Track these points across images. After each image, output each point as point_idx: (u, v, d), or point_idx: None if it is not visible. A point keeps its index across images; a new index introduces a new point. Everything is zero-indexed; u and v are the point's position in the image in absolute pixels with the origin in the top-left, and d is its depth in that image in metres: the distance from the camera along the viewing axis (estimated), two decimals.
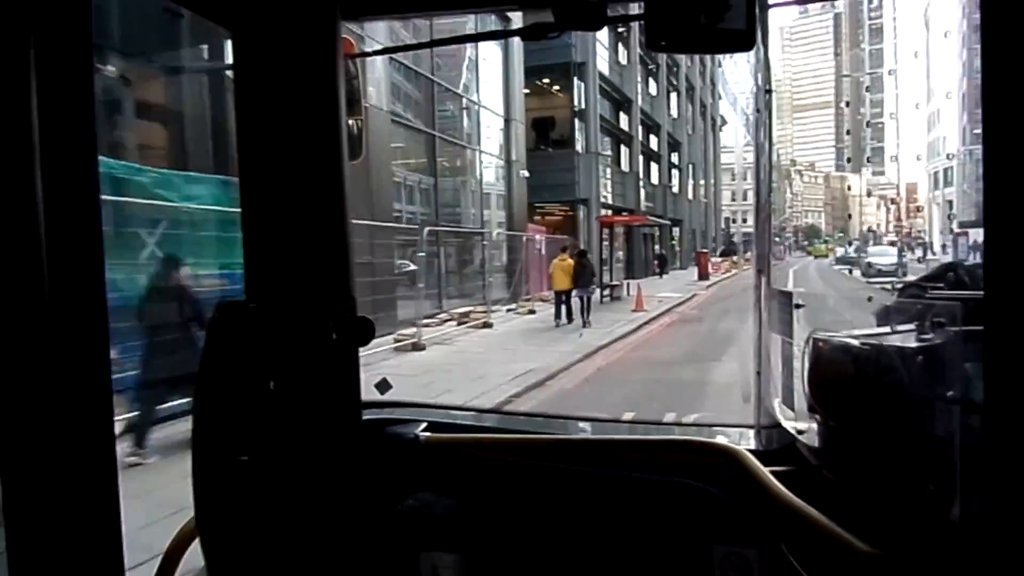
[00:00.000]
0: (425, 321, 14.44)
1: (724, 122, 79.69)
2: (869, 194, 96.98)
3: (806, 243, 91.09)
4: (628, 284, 24.93)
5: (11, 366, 0.79)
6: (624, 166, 37.97)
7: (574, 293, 17.50)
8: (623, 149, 37.99)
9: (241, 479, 1.06)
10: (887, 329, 1.26)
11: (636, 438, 1.63)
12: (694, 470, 1.38)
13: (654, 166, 44.56)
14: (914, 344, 1.14)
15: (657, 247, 43.31)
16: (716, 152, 67.27)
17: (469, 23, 10.93)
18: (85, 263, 0.83)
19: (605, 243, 23.15)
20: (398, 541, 1.45)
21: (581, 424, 1.98)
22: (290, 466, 1.08)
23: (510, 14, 9.39)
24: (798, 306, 1.42)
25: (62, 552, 0.81)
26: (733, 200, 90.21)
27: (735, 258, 52.70)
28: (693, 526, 1.34)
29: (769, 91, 1.55)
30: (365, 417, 1.45)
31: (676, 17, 1.05)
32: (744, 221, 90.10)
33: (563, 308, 17.23)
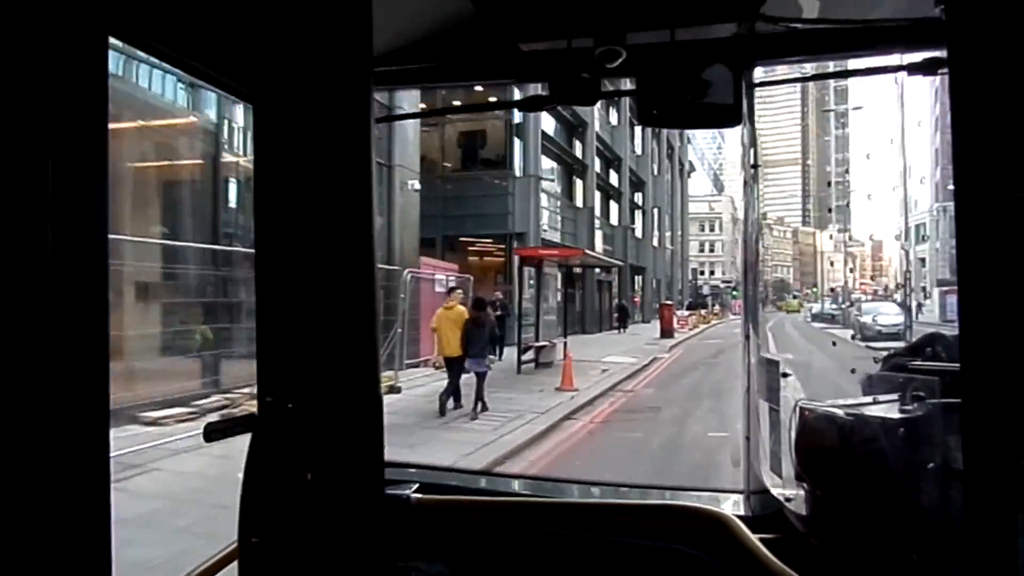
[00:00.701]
0: (159, 415, 7.76)
1: (692, 168, 74.95)
2: (853, 259, 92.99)
3: (775, 298, 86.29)
4: (566, 345, 18.31)
5: (13, 368, 0.78)
6: (577, 201, 31.79)
7: (466, 363, 10.91)
8: (576, 182, 31.88)
9: (283, 560, 1.09)
10: (870, 400, 1.27)
11: (626, 502, 1.65)
12: (684, 535, 1.38)
13: (614, 205, 38.54)
14: (896, 415, 1.16)
15: (616, 297, 37.01)
16: (684, 198, 61.89)
17: None
18: (89, 267, 0.83)
19: (532, 287, 16.44)
20: None
21: (573, 487, 1.95)
22: (320, 544, 1.10)
23: None
24: (784, 375, 1.40)
25: (50, 552, 0.81)
26: (701, 251, 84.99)
27: (703, 312, 46.61)
28: None
29: (756, 166, 1.56)
30: None
31: (666, 94, 1.11)
32: (712, 274, 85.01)
33: (459, 382, 10.83)
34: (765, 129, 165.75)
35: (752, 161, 1.56)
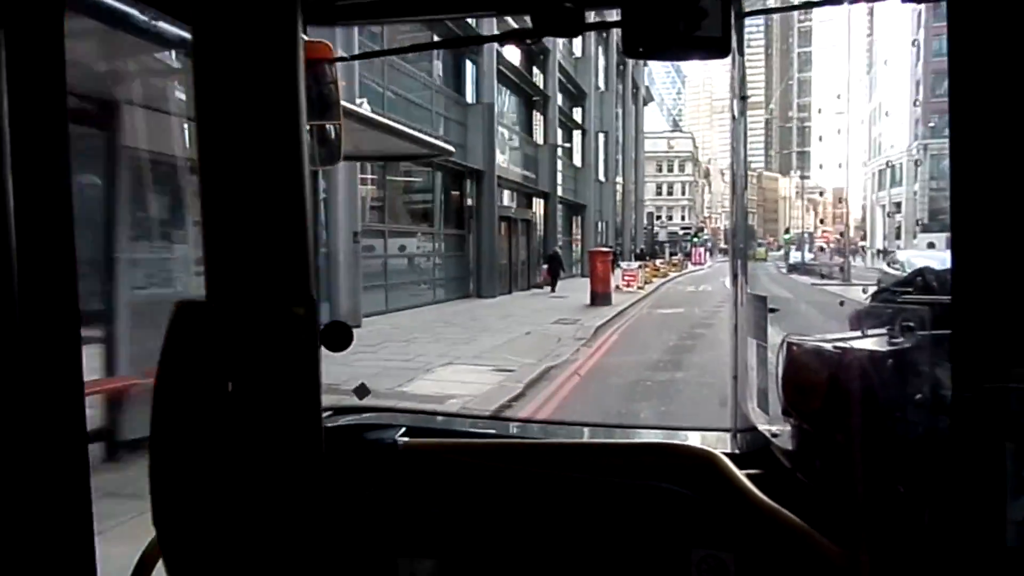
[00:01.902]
0: None
1: (650, 97, 63.48)
2: (815, 206, 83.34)
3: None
4: None
5: None
6: (469, 95, 20.28)
7: None
8: (467, 68, 20.31)
9: (202, 483, 1.01)
10: (859, 333, 1.23)
11: (614, 442, 1.63)
12: (671, 473, 1.35)
13: (537, 116, 27.07)
14: (885, 348, 1.13)
15: (540, 243, 25.96)
16: (639, 128, 50.57)
17: None
18: (57, 262, 0.83)
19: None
20: (376, 547, 1.41)
21: (560, 428, 1.94)
22: (250, 470, 1.01)
23: None
24: (772, 310, 1.38)
25: (35, 554, 0.80)
26: (659, 194, 74.02)
27: (658, 262, 35.93)
28: (670, 529, 1.32)
29: (744, 97, 1.53)
30: (343, 422, 1.51)
31: (653, 24, 1.07)
32: (670, 219, 74.37)
33: None
34: (722, 72, 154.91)
35: (740, 93, 1.49)
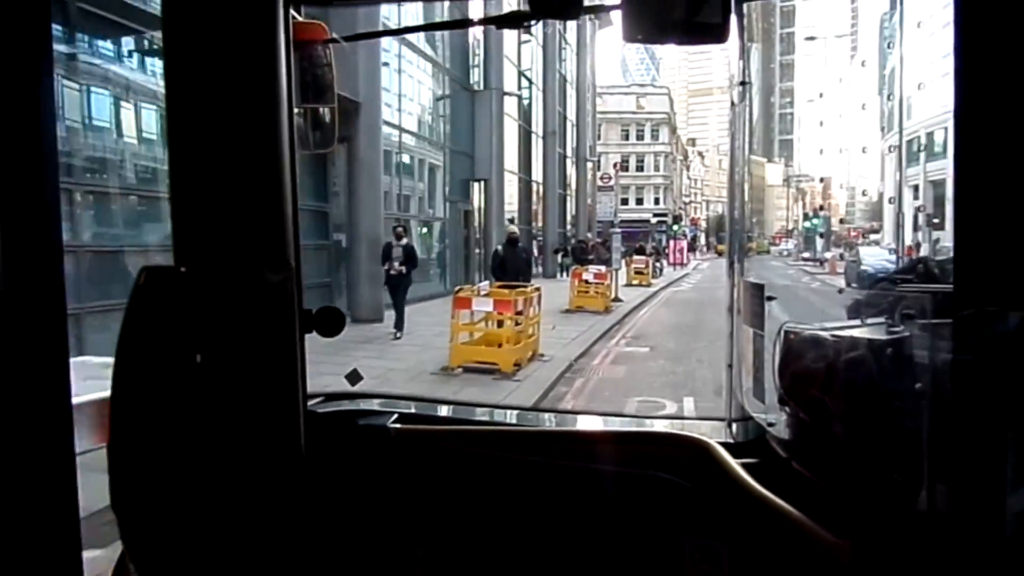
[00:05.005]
0: None
1: (607, 20, 42.17)
2: (803, 195, 62.28)
3: (716, 240, 55.24)
4: None
5: None
6: None
7: None
8: None
9: (166, 466, 0.91)
10: (857, 322, 1.18)
11: (609, 430, 1.56)
12: (665, 463, 1.30)
13: None
14: (884, 336, 1.08)
15: None
16: (586, 56, 28.87)
17: None
18: (42, 256, 0.79)
19: None
20: (368, 532, 1.34)
21: (554, 416, 1.83)
22: (220, 451, 0.92)
23: None
24: (770, 298, 1.31)
25: (19, 547, 0.77)
26: (625, 170, 52.39)
27: (596, 275, 14.46)
28: (664, 518, 1.27)
29: (744, 83, 1.45)
30: (335, 408, 1.41)
31: (653, 9, 1.02)
32: (640, 201, 53.01)
33: None
34: (703, 52, 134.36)
35: (740, 79, 1.40)
